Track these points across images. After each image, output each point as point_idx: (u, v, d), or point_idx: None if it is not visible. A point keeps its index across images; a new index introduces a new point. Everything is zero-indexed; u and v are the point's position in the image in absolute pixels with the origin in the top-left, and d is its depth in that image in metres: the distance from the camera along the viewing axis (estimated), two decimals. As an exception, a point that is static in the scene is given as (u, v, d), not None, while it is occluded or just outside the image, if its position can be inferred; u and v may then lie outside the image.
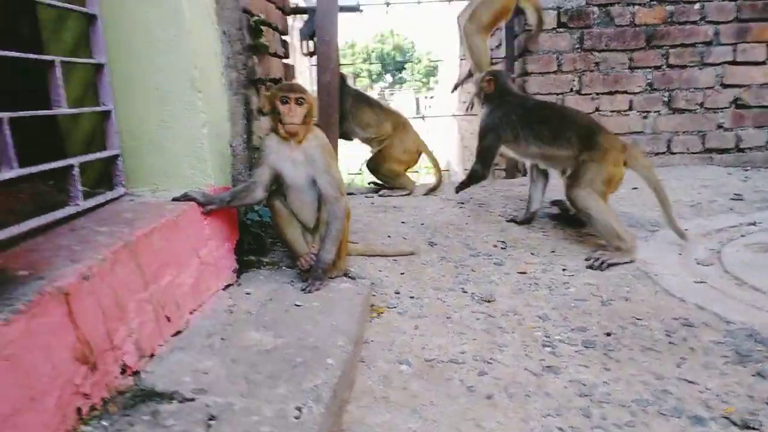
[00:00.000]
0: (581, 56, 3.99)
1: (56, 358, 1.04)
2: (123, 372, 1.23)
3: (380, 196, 3.51)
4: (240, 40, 2.15)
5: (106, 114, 1.66)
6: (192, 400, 1.19)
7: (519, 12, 3.86)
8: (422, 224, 2.81)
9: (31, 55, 1.37)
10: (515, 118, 2.77)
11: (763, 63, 4.00)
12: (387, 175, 3.62)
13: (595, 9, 3.94)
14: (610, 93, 4.06)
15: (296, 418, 1.13)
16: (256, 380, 1.27)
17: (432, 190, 3.57)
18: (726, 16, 3.95)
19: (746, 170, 3.90)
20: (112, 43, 1.70)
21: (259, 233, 2.07)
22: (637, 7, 3.95)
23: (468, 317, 1.92)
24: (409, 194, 3.53)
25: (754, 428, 1.29)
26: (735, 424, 1.31)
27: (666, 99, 4.07)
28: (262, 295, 1.79)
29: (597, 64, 4.01)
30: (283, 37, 2.87)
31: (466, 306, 2.01)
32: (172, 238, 1.53)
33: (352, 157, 5.15)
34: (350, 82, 3.77)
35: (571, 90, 4.02)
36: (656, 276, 2.22)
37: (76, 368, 1.09)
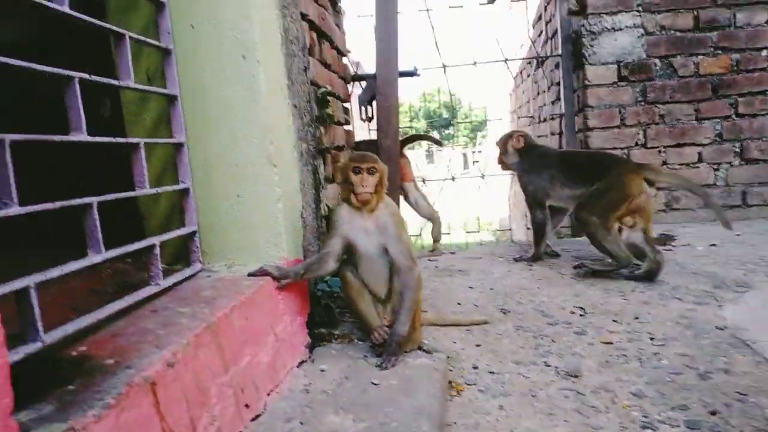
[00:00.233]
0: (645, 109, 3.89)
1: (143, 455, 0.99)
2: (205, 464, 1.17)
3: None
4: (308, 112, 2.19)
5: (185, 191, 1.69)
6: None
7: (578, 67, 3.84)
8: (491, 289, 2.70)
9: (120, 139, 1.41)
10: (548, 163, 3.04)
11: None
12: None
13: (657, 61, 3.87)
14: (678, 145, 3.92)
15: None
16: (343, 475, 1.18)
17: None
18: (797, 61, 3.79)
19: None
20: (191, 121, 1.75)
21: (330, 305, 2.02)
22: (700, 57, 3.85)
23: (555, 395, 1.77)
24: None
25: None
26: None
27: (737, 149, 3.89)
28: (337, 373, 1.72)
29: (662, 116, 3.89)
30: (345, 105, 2.93)
31: (551, 382, 1.86)
32: (250, 315, 1.49)
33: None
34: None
35: (636, 144, 3.90)
36: (754, 344, 2.02)
37: (161, 464, 1.03)
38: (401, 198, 3.57)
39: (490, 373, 1.91)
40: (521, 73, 6.00)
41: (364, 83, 3.54)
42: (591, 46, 3.88)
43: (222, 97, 1.75)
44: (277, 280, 1.71)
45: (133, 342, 1.18)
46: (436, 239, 3.67)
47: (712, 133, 3.89)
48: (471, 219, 6.35)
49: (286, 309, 1.74)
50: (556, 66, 4.39)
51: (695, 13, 3.84)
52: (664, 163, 3.88)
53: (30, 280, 1.02)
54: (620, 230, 2.82)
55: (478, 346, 2.10)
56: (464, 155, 23.15)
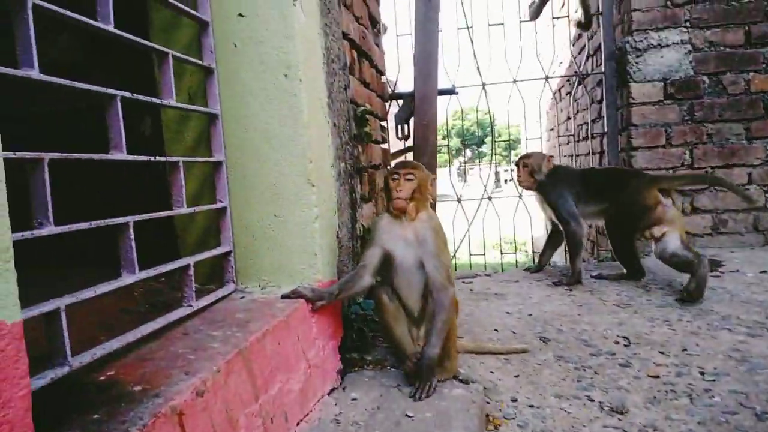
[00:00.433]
0: (692, 128, 3.73)
1: (169, 491, 0.95)
2: (232, 499, 1.12)
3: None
4: (347, 131, 2.16)
5: (222, 210, 1.67)
6: None
7: (622, 85, 3.72)
8: (530, 315, 2.59)
9: (160, 158, 1.39)
10: (573, 182, 3.17)
11: None
12: None
13: (705, 78, 3.71)
14: (727, 166, 3.73)
15: None
16: None
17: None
18: None
19: None
20: (230, 139, 1.73)
21: (363, 328, 1.96)
22: (751, 74, 3.68)
23: (600, 434, 1.66)
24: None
25: None
26: None
27: (790, 170, 3.68)
28: (368, 402, 1.65)
29: (710, 135, 3.72)
30: (382, 123, 2.90)
31: (595, 419, 1.75)
32: (283, 340, 1.45)
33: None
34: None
35: (683, 164, 3.74)
36: (817, 382, 1.86)
37: (187, 500, 0.99)
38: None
39: (530, 406, 1.82)
40: (560, 90, 5.87)
41: (400, 101, 3.51)
42: (636, 63, 3.76)
43: (263, 115, 1.73)
44: (312, 302, 1.66)
45: (162, 367, 1.15)
46: None
47: (763, 154, 3.70)
48: (505, 238, 6.22)
49: (319, 333, 1.69)
50: (598, 83, 4.26)
51: (746, 28, 3.68)
52: (713, 184, 3.71)
53: (60, 303, 1.00)
54: (654, 241, 2.91)
55: (516, 376, 2.00)
56: (496, 173, 22.90)
